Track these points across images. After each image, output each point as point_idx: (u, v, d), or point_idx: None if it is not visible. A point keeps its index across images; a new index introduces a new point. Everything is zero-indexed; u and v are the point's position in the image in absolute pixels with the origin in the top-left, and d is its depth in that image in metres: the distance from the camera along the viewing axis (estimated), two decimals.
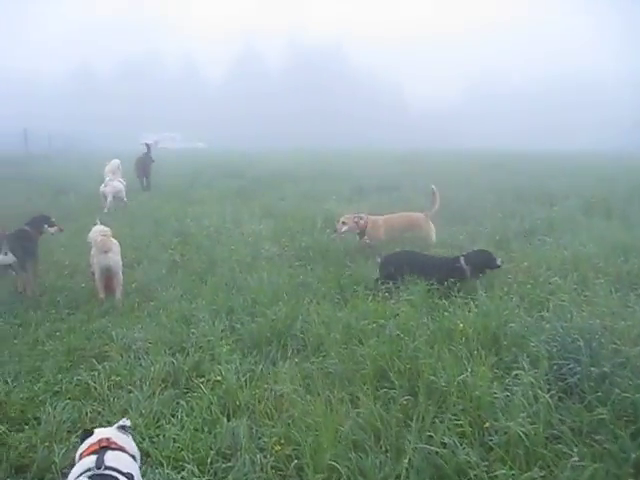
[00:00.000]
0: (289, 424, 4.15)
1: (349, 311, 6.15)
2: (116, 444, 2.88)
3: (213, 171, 22.32)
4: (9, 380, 4.83)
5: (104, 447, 2.82)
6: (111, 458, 2.74)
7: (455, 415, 4.09)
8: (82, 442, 2.96)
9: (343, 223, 8.95)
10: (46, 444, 3.97)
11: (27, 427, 4.21)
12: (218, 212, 12.13)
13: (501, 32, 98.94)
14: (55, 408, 4.37)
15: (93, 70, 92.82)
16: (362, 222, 8.94)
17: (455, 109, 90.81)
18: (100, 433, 2.96)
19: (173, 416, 4.36)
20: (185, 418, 4.29)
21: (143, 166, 17.24)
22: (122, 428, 3.06)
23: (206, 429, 4.16)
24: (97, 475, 2.62)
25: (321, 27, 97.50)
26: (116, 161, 14.95)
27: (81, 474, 2.65)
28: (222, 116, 77.00)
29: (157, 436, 4.09)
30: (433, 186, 9.23)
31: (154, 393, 4.61)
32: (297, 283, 7.21)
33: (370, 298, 6.42)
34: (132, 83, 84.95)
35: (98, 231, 6.85)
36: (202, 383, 4.77)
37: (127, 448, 2.95)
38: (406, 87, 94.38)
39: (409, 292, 6.66)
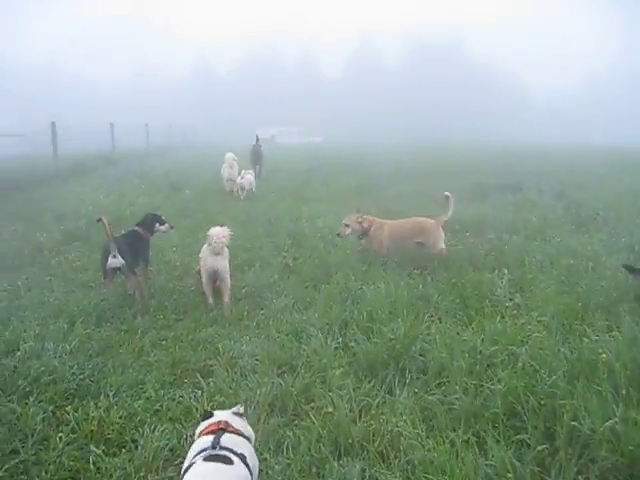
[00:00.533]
0: (407, 469, 3.62)
1: (474, 331, 5.52)
2: (232, 427, 3.13)
3: (329, 167, 21.83)
4: (110, 394, 4.59)
5: (221, 429, 3.08)
6: (227, 439, 2.98)
7: (604, 474, 3.46)
8: (202, 422, 3.25)
9: (346, 225, 8.44)
10: (141, 474, 3.68)
11: (124, 450, 3.93)
12: (334, 211, 11.66)
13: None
14: (154, 430, 4.08)
15: (213, 67, 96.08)
16: (365, 224, 8.38)
17: (580, 100, 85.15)
18: (219, 416, 3.23)
19: (278, 447, 3.95)
20: (291, 455, 3.85)
21: (256, 155, 18.77)
22: (237, 414, 3.29)
23: (314, 470, 3.70)
24: (212, 455, 2.86)
25: (436, 19, 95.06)
26: (229, 154, 15.38)
27: (198, 453, 2.91)
28: (338, 113, 76.96)
29: (260, 472, 3.68)
30: (447, 193, 8.51)
31: (259, 419, 4.22)
32: (416, 295, 6.63)
33: (498, 318, 5.73)
34: (251, 81, 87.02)
35: (219, 233, 6.53)
36: (311, 409, 4.36)
37: (242, 431, 3.18)
38: (526, 77, 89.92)
39: (540, 311, 5.92)
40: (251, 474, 2.91)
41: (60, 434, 4.06)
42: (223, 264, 6.62)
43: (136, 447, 3.96)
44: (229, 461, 2.83)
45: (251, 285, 7.27)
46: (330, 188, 16.17)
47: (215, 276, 6.66)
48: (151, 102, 74.27)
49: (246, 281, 7.43)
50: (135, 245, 6.94)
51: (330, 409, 4.28)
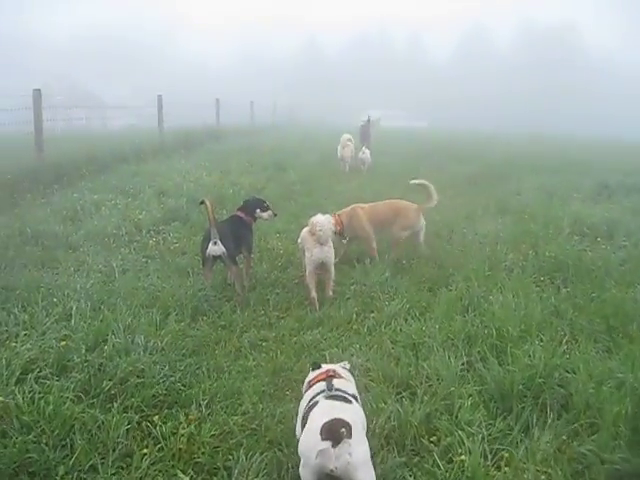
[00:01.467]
0: None
1: (621, 361, 4.55)
2: (340, 375, 3.43)
3: (438, 154, 20.37)
4: (203, 404, 4.01)
5: (330, 376, 3.36)
6: (337, 384, 3.28)
7: None
8: (311, 372, 3.55)
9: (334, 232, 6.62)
10: None
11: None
12: (448, 204, 10.65)
13: None
14: (250, 457, 3.46)
15: (322, 47, 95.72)
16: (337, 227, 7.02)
17: None
18: (327, 367, 3.51)
19: None
20: None
21: (364, 135, 18.92)
22: (344, 368, 3.59)
23: None
24: (332, 395, 3.14)
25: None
26: (345, 135, 15.85)
27: (315, 396, 3.19)
28: (444, 97, 74.29)
29: None
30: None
31: (373, 455, 3.47)
32: (549, 310, 5.66)
33: None
34: (359, 63, 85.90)
35: (324, 222, 5.96)
36: (433, 445, 3.62)
37: (349, 378, 3.51)
38: None
39: None
40: None
41: (145, 450, 3.52)
42: (330, 255, 6.07)
43: (229, 475, 3.37)
44: (348, 400, 3.15)
45: (360, 282, 6.53)
46: (442, 177, 14.96)
47: (321, 268, 6.08)
48: (257, 81, 74.90)
49: (355, 277, 6.69)
50: (238, 231, 6.34)
51: (461, 453, 3.49)
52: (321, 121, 46.75)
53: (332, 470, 2.78)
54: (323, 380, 3.33)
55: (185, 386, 4.27)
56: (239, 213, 6.63)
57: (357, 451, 2.81)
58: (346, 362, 3.72)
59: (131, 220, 8.69)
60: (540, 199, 11.75)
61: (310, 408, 3.09)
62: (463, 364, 4.60)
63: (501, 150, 23.23)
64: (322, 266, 6.06)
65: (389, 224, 7.52)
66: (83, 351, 4.45)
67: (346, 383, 3.39)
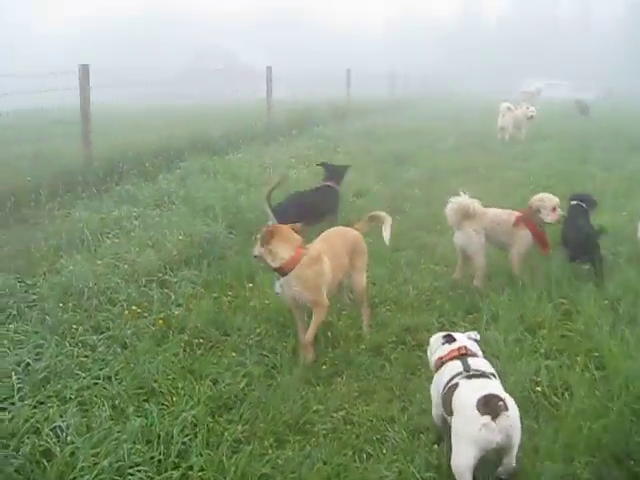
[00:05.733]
0: None
1: None
2: (471, 351, 3.37)
3: (613, 140, 14.80)
4: None
5: (463, 354, 3.31)
6: (473, 363, 3.24)
7: None
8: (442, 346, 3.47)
9: None
10: None
11: None
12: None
13: None
14: None
15: (480, 12, 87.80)
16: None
17: None
18: (459, 341, 3.44)
19: None
20: None
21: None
22: (472, 339, 3.51)
23: None
24: (472, 374, 3.13)
25: None
26: (504, 104, 15.08)
27: (454, 376, 3.17)
28: (614, 67, 64.29)
29: None
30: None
31: None
32: None
33: None
34: (521, 29, 77.33)
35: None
36: None
37: (479, 354, 3.43)
38: None
39: None
40: None
41: None
42: (468, 238, 5.61)
43: None
44: (491, 377, 3.18)
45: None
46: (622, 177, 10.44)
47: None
48: (400, 47, 70.14)
49: None
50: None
51: None
52: (480, 90, 41.71)
53: (497, 443, 2.85)
54: (456, 359, 3.29)
55: None
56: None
57: (515, 423, 2.91)
58: (476, 332, 3.65)
59: (112, 266, 5.63)
60: None
61: (451, 390, 3.12)
62: None
63: None
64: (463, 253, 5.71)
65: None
66: None
67: (479, 361, 3.33)
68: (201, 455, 3.24)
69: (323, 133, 15.11)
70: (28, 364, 3.93)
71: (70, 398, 3.64)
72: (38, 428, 3.31)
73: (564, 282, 5.37)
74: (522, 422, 3.00)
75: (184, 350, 4.38)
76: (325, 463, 3.29)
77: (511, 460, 2.96)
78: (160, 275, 5.54)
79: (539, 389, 3.81)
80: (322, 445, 3.43)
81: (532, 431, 3.42)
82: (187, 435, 3.40)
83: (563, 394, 3.81)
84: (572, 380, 3.92)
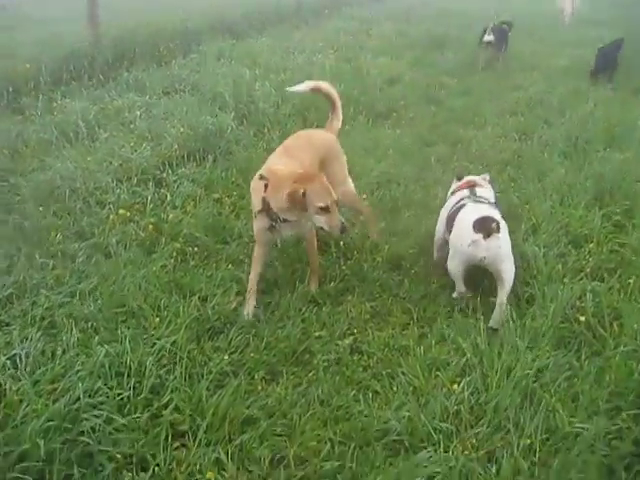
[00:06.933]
0: None
1: None
2: (481, 185, 3.77)
3: None
4: None
5: (472, 186, 3.73)
6: (480, 192, 3.66)
7: None
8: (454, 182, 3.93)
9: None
10: None
11: None
12: None
13: None
14: None
15: None
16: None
17: None
18: (468, 178, 3.88)
19: None
20: None
21: None
22: (484, 180, 3.90)
23: None
24: (476, 200, 3.53)
25: None
26: None
27: (460, 200, 3.59)
28: None
29: None
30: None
31: None
32: None
33: None
34: None
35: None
36: None
37: (489, 188, 3.84)
38: None
39: None
40: None
41: None
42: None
43: None
44: (493, 205, 3.57)
45: None
46: None
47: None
48: None
49: None
50: None
51: None
52: None
53: (481, 259, 3.25)
54: (466, 188, 3.71)
55: None
56: None
57: (505, 245, 3.26)
58: (487, 174, 4.05)
59: (105, 163, 5.03)
60: None
61: (457, 210, 3.49)
62: None
63: None
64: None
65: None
66: None
67: (488, 192, 3.75)
68: (178, 391, 2.79)
69: (357, 14, 13.89)
70: None
71: (35, 320, 3.17)
72: None
73: (617, 186, 4.59)
74: (514, 251, 3.36)
75: (175, 260, 3.87)
76: (323, 404, 2.81)
77: (502, 297, 3.28)
78: (157, 173, 4.96)
79: (583, 318, 3.17)
80: (321, 380, 2.94)
81: (571, 371, 2.84)
82: (164, 366, 2.93)
83: (611, 325, 3.16)
84: (623, 308, 3.26)
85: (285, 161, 3.55)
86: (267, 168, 3.49)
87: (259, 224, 3.47)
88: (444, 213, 3.72)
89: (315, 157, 3.76)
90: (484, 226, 3.16)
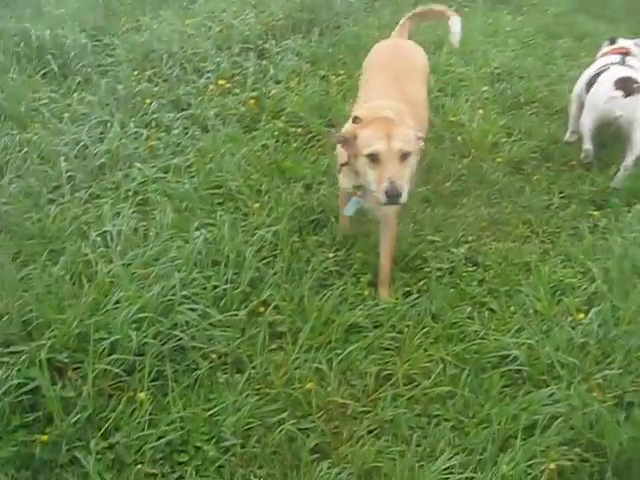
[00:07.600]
0: None
1: None
2: (632, 53, 3.60)
3: None
4: None
5: (624, 53, 3.56)
6: (629, 61, 3.49)
7: None
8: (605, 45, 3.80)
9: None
10: None
11: None
12: None
13: None
14: None
15: None
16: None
17: None
18: (621, 42, 3.72)
19: None
20: None
21: None
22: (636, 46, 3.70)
23: None
24: (624, 65, 3.44)
25: None
26: None
27: (605, 64, 3.49)
28: None
29: None
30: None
31: None
32: None
33: None
34: None
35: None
36: None
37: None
38: None
39: None
40: None
41: None
42: None
43: None
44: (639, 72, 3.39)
45: None
46: None
47: None
48: None
49: None
50: None
51: None
52: None
53: (616, 118, 3.23)
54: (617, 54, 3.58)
55: None
56: None
57: None
58: (639, 39, 3.78)
59: (204, 28, 4.59)
60: None
61: (601, 72, 3.43)
62: None
63: None
64: None
65: None
66: None
67: (638, 62, 3.54)
68: (278, 287, 2.51)
69: None
70: (86, 146, 3.22)
71: (128, 195, 2.93)
72: (85, 232, 2.67)
73: None
74: None
75: (276, 141, 3.51)
76: (434, 318, 2.48)
77: (629, 161, 3.26)
78: (259, 43, 4.50)
79: None
80: (433, 291, 2.58)
81: None
82: (264, 258, 2.65)
83: None
84: None
85: (394, 95, 2.61)
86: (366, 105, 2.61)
87: (342, 183, 2.66)
88: (587, 72, 3.65)
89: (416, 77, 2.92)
90: (626, 85, 3.18)
